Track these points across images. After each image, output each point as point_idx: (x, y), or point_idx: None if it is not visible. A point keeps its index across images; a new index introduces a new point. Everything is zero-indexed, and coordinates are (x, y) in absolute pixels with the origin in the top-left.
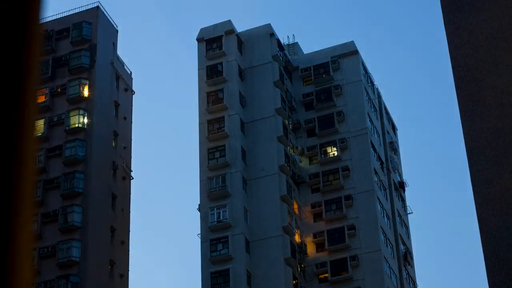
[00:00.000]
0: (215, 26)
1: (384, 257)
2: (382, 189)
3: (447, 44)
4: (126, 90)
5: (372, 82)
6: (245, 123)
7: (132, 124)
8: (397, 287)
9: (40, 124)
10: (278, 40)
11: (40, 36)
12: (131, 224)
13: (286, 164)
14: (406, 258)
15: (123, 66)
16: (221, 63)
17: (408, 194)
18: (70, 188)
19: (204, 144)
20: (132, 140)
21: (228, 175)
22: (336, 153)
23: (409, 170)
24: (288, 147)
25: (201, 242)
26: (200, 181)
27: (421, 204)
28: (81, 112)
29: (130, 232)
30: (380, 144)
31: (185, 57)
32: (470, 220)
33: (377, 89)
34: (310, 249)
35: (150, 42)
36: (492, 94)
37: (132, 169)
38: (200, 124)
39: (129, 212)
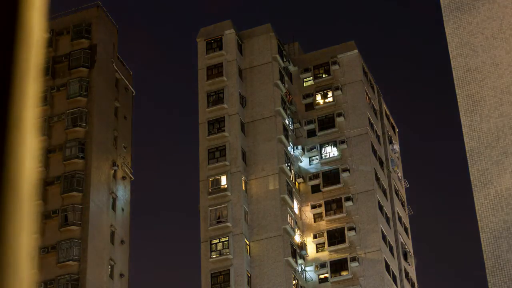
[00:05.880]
0: (215, 26)
1: (384, 257)
2: (382, 189)
3: (447, 44)
4: (126, 90)
5: (372, 82)
6: (245, 123)
7: (132, 124)
8: (397, 287)
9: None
10: (278, 40)
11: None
12: (131, 224)
13: (286, 164)
14: (406, 258)
15: (123, 66)
16: (221, 63)
17: (408, 194)
18: (70, 187)
19: (204, 144)
20: (132, 140)
21: (228, 175)
22: (336, 153)
23: (409, 170)
24: (288, 147)
25: (201, 242)
26: (200, 181)
27: (421, 204)
28: (81, 111)
29: (130, 232)
30: (380, 144)
31: (185, 57)
32: (470, 220)
33: (377, 89)
34: (310, 249)
35: (150, 42)
36: (492, 94)
37: (132, 169)
38: (200, 124)
39: (129, 211)
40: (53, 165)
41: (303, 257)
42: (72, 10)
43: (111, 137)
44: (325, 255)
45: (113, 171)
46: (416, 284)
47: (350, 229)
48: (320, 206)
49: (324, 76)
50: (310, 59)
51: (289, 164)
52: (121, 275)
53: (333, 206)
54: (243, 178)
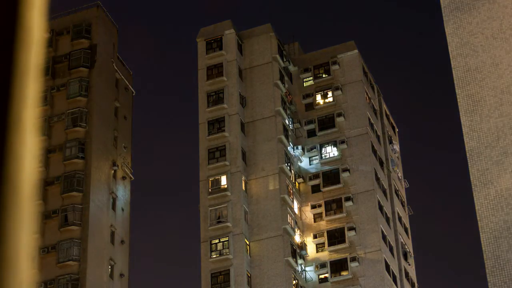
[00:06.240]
0: (215, 26)
1: (384, 257)
2: (382, 189)
3: (447, 44)
4: (126, 89)
5: (372, 82)
6: (245, 123)
7: (132, 124)
8: (397, 287)
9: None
10: (278, 40)
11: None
12: (131, 223)
13: (286, 164)
14: (406, 258)
15: (123, 65)
16: (221, 63)
17: (408, 194)
18: (70, 187)
19: (204, 144)
20: (132, 140)
21: (228, 175)
22: (336, 153)
23: (409, 170)
24: (288, 147)
25: (201, 242)
26: (200, 181)
27: (421, 204)
28: (81, 111)
29: (130, 232)
30: (380, 144)
31: (185, 57)
32: (470, 220)
33: (377, 89)
34: (310, 249)
35: (150, 42)
36: (492, 94)
37: (132, 169)
38: (200, 124)
39: (129, 211)
40: (53, 165)
41: (303, 257)
42: (72, 10)
43: (111, 137)
44: (325, 255)
45: (113, 171)
46: (416, 284)
47: (350, 229)
48: (320, 206)
49: (324, 76)
50: (310, 59)
51: (289, 164)
52: (121, 275)
53: (333, 206)
54: (243, 178)
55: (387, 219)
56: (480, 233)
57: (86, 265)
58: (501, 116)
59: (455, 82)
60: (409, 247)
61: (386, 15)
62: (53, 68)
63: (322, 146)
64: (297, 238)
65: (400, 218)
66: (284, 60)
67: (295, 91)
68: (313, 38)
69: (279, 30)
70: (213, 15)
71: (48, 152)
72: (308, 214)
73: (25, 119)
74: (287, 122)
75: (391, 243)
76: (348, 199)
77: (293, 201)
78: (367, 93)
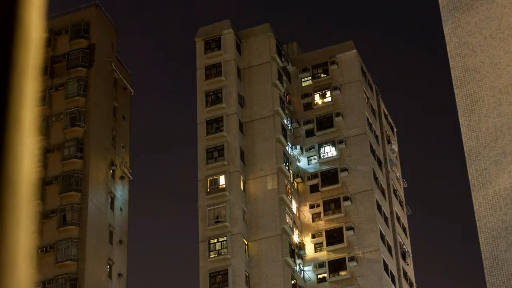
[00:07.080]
0: (214, 26)
1: (382, 257)
2: (380, 189)
3: (446, 44)
4: (124, 89)
5: (370, 82)
6: (244, 123)
7: (131, 123)
8: (395, 287)
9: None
10: (277, 40)
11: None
12: (129, 223)
13: (284, 164)
14: (404, 258)
15: (122, 65)
16: (219, 63)
17: (406, 194)
18: (68, 187)
19: (203, 143)
20: (131, 140)
21: (227, 175)
22: (334, 153)
23: (407, 170)
24: (287, 147)
25: (200, 242)
26: (199, 180)
27: (419, 204)
28: (80, 111)
29: (128, 232)
30: (378, 144)
31: (184, 56)
32: (469, 220)
33: (375, 88)
34: (309, 249)
35: (148, 42)
36: (490, 94)
37: (130, 168)
38: (198, 123)
39: (127, 211)
40: (52, 164)
41: (301, 257)
42: (71, 10)
43: (109, 137)
44: (324, 255)
45: (111, 171)
46: (414, 284)
47: (349, 229)
48: (318, 206)
49: (322, 76)
50: (309, 59)
51: (287, 164)
52: (120, 275)
53: (332, 206)
54: (241, 178)
55: (386, 219)
56: (479, 233)
57: (84, 265)
58: (500, 116)
59: (453, 82)
60: (408, 247)
61: (384, 15)
62: (51, 68)
63: (320, 146)
64: (296, 238)
65: (398, 218)
66: (283, 60)
67: (294, 91)
68: (311, 38)
69: (277, 30)
70: (211, 15)
71: (47, 152)
72: (307, 214)
73: (24, 118)
74: (285, 122)
75: (389, 243)
76: (346, 199)
77: (291, 201)
78: (365, 93)
